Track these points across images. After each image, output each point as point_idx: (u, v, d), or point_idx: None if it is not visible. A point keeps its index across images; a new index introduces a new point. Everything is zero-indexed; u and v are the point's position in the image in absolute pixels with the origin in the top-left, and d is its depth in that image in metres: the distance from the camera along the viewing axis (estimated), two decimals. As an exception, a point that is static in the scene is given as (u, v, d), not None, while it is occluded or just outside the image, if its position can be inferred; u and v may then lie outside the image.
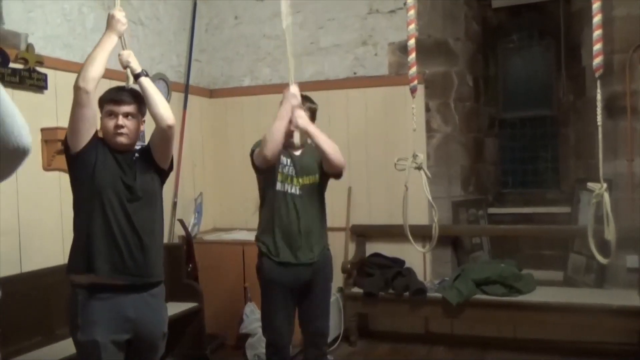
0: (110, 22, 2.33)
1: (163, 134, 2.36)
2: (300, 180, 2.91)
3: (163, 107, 2.34)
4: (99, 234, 2.25)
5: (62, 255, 3.25)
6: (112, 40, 2.31)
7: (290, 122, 2.80)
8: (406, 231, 2.65)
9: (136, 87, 2.36)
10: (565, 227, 4.44)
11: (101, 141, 2.33)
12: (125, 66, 2.37)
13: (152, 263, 2.32)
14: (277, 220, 2.89)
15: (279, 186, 2.90)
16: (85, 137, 2.27)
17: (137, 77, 2.35)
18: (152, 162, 2.41)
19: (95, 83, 2.22)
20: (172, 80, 4.42)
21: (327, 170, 2.93)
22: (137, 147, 2.46)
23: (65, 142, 2.31)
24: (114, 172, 2.29)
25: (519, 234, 4.68)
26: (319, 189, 2.99)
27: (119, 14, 2.34)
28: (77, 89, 2.20)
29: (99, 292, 2.25)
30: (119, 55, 2.35)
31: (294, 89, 2.82)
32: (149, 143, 2.44)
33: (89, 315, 2.24)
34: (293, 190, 2.90)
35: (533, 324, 4.01)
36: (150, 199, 2.37)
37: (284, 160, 2.92)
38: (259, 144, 2.88)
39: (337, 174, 2.94)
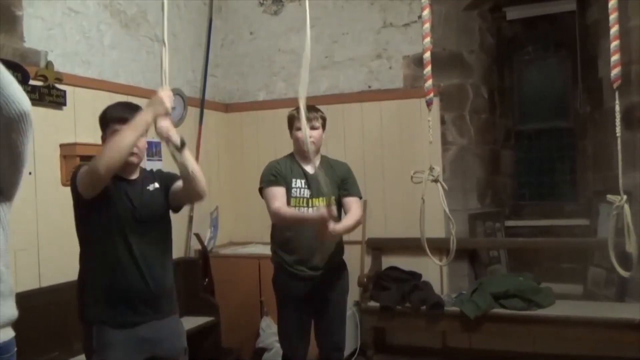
0: (153, 101, 2.10)
1: (193, 200, 2.32)
2: (315, 201, 2.88)
3: (204, 182, 2.24)
4: (107, 278, 2.22)
5: (80, 270, 3.29)
6: (146, 122, 2.08)
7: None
8: (424, 244, 2.63)
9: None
10: (584, 240, 4.39)
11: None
12: (166, 138, 2.10)
13: (162, 299, 2.29)
14: (292, 241, 2.89)
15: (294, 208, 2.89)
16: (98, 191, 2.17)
17: (182, 147, 2.12)
18: (166, 199, 2.35)
19: (117, 170, 2.09)
20: (188, 95, 4.46)
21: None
22: (149, 169, 2.43)
23: (74, 187, 2.20)
24: (125, 211, 2.22)
25: (536, 246, 4.62)
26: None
27: (163, 94, 2.09)
28: (96, 173, 2.05)
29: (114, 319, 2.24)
30: (157, 127, 2.08)
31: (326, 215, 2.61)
32: (170, 193, 2.34)
33: (104, 338, 2.20)
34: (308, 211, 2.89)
35: (553, 338, 3.95)
36: (159, 234, 2.33)
37: (298, 182, 2.91)
38: (268, 181, 2.90)
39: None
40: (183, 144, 2.12)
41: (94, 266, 2.25)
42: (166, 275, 2.34)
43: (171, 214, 2.44)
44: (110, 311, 2.21)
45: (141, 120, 2.09)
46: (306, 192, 2.90)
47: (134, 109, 2.28)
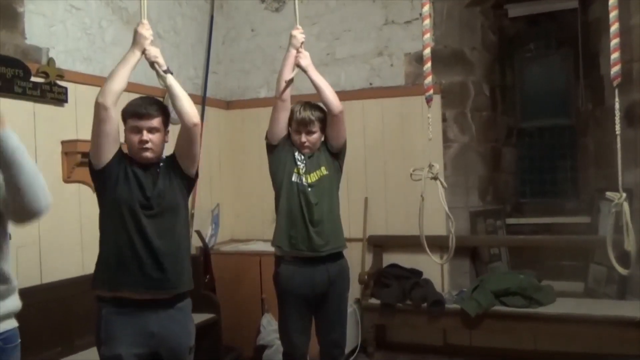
0: (134, 37, 2.30)
1: (189, 133, 2.33)
2: (310, 176, 2.94)
3: (189, 104, 2.35)
4: (116, 249, 2.26)
5: (81, 267, 3.30)
6: (134, 56, 2.28)
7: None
8: (422, 242, 2.63)
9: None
10: (585, 238, 4.38)
11: (125, 156, 2.32)
12: (152, 62, 2.31)
13: (170, 276, 2.30)
14: (289, 212, 2.92)
15: (294, 177, 2.93)
16: (107, 154, 2.26)
17: (165, 72, 2.32)
18: (178, 170, 2.39)
19: (115, 98, 2.20)
20: (190, 93, 4.39)
21: (327, 113, 2.95)
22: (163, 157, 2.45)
23: (88, 158, 2.30)
24: (134, 188, 2.27)
25: (537, 244, 4.62)
26: (329, 183, 2.99)
27: (142, 29, 2.29)
28: (97, 104, 2.19)
29: (123, 307, 2.26)
30: (146, 51, 2.30)
31: (295, 32, 2.96)
32: (174, 150, 2.43)
33: (111, 330, 2.25)
34: (305, 183, 2.93)
35: (553, 335, 3.95)
36: (171, 211, 2.34)
37: (299, 156, 2.96)
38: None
39: (334, 114, 2.92)
40: (169, 70, 2.35)
41: (107, 236, 2.31)
42: (177, 250, 2.35)
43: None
44: (119, 278, 2.25)
45: (129, 54, 2.28)
46: (304, 168, 2.95)
47: (151, 103, 2.35)
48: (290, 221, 2.92)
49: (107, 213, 2.31)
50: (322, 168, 2.97)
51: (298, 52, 2.96)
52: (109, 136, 2.23)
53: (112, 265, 2.27)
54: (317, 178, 2.95)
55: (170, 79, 2.33)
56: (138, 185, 2.28)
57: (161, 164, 2.39)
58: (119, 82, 2.21)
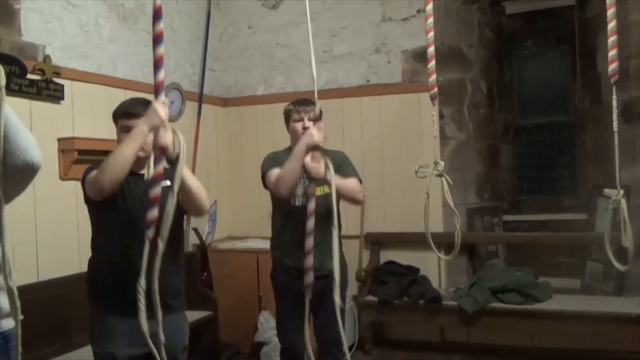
0: (148, 113, 1.94)
1: (190, 214, 2.43)
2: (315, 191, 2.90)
3: (202, 198, 2.24)
4: (116, 271, 2.24)
5: (78, 264, 3.29)
6: (141, 132, 1.98)
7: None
8: (428, 239, 2.64)
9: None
10: (583, 234, 4.39)
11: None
12: (162, 148, 1.85)
13: (167, 296, 2.24)
14: (291, 233, 2.89)
15: (293, 201, 2.89)
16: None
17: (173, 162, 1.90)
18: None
19: (117, 184, 2.10)
20: (187, 90, 4.45)
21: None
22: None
23: (83, 189, 2.26)
24: (134, 206, 2.23)
25: (535, 241, 4.63)
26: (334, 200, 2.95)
27: (158, 105, 1.84)
28: (101, 187, 2.10)
29: (118, 306, 2.25)
30: (157, 135, 1.80)
31: (312, 130, 2.54)
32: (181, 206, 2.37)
33: (106, 329, 2.25)
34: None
35: (550, 332, 3.96)
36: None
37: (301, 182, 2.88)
38: (269, 165, 2.86)
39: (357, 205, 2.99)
40: (177, 157, 1.85)
41: (103, 256, 2.30)
42: (174, 272, 2.36)
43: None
44: (114, 302, 2.24)
45: (137, 131, 2.03)
46: (307, 182, 2.90)
47: (143, 103, 2.27)
48: (288, 243, 2.91)
49: (103, 231, 2.33)
50: (325, 187, 2.85)
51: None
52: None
53: (110, 287, 2.28)
54: (323, 193, 2.82)
55: (182, 171, 1.95)
56: (140, 199, 2.23)
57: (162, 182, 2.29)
58: (125, 167, 2.07)
